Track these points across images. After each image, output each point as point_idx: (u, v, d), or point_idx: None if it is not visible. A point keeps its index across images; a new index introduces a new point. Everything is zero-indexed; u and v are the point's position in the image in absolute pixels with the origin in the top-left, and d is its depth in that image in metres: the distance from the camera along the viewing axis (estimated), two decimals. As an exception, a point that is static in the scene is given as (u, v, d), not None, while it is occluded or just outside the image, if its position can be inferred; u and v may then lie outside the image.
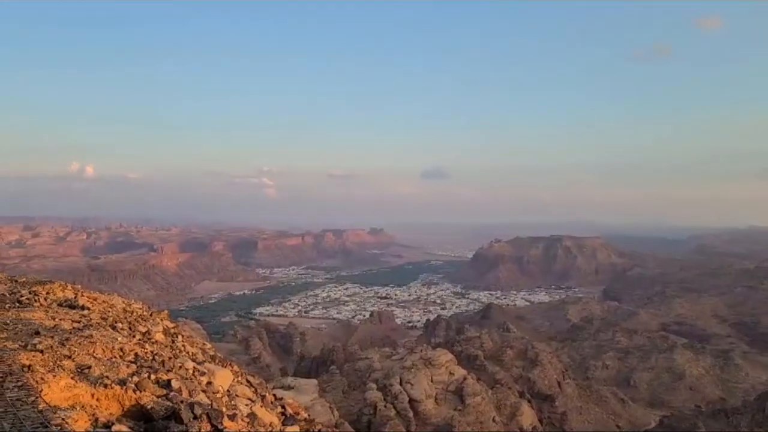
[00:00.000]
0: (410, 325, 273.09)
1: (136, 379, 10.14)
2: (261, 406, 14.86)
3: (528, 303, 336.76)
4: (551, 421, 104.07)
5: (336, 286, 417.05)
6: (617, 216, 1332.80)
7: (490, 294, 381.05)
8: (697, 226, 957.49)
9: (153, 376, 10.66)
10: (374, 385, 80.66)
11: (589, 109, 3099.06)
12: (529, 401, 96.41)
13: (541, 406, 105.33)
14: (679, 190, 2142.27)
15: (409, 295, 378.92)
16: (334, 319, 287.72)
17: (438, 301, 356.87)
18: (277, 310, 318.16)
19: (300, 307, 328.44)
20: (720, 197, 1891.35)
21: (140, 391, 9.55)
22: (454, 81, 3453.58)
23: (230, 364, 19.87)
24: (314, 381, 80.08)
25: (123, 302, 22.14)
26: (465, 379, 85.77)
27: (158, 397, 9.65)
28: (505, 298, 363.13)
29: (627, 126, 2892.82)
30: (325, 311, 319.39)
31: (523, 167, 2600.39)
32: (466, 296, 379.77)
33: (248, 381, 18.57)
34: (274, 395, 18.49)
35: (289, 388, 68.78)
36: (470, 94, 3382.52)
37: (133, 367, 11.07)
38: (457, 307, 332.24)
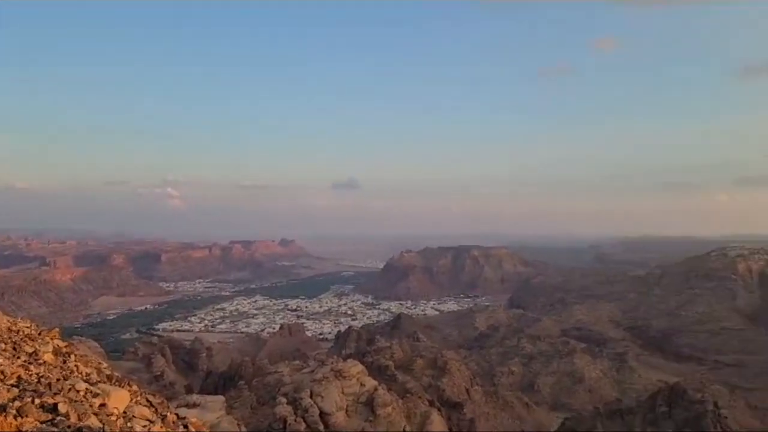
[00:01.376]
0: (321, 337, 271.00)
1: (17, 404, 9.24)
2: (161, 427, 14.01)
3: (437, 312, 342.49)
4: (460, 428, 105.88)
5: (244, 299, 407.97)
6: (524, 227, 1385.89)
7: (401, 304, 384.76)
8: (597, 235, 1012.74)
9: (37, 401, 9.76)
10: (284, 399, 79.07)
11: (497, 124, 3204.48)
12: (439, 409, 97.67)
13: (450, 413, 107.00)
14: (582, 202, 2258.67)
15: (320, 307, 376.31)
16: (242, 333, 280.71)
17: (349, 312, 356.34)
18: (182, 325, 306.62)
19: (206, 322, 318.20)
20: (618, 209, 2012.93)
21: (22, 417, 8.71)
22: (364, 92, 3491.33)
23: (128, 384, 18.71)
24: (221, 398, 77.54)
25: (8, 321, 20.40)
26: (376, 389, 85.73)
27: (42, 422, 8.83)
28: (415, 308, 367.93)
29: (534, 141, 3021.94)
30: (233, 325, 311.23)
31: (434, 179, 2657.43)
32: (377, 307, 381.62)
33: (148, 401, 17.53)
34: (177, 414, 17.56)
35: (194, 405, 66.21)
36: (381, 106, 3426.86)
37: (15, 391, 10.11)
38: (368, 317, 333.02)
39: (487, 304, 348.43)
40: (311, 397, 79.00)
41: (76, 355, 18.92)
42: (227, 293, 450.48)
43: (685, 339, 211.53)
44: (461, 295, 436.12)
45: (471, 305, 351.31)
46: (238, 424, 67.41)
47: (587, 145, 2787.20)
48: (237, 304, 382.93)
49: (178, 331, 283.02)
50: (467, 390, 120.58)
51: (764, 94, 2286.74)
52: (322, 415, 77.51)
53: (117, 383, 17.46)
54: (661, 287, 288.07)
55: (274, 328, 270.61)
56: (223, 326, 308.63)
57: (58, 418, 9.17)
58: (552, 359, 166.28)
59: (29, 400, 9.61)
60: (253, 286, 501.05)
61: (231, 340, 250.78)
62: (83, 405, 11.20)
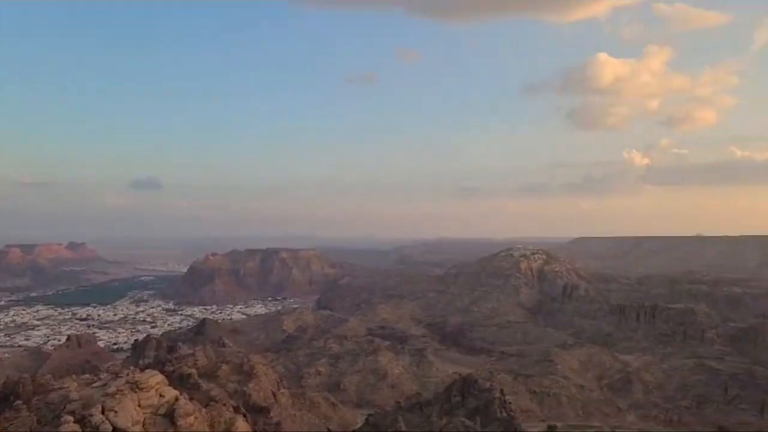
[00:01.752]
0: (116, 347, 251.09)
1: None
2: None
3: (244, 316, 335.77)
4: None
5: (24, 309, 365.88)
6: (332, 230, 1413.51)
7: (205, 309, 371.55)
8: (400, 238, 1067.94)
9: None
10: (70, 418, 71.12)
11: (306, 129, 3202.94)
12: (245, 415, 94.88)
13: (256, 418, 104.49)
14: (386, 206, 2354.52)
15: (115, 315, 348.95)
16: (20, 346, 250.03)
17: (148, 320, 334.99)
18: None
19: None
20: (419, 212, 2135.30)
21: None
22: (170, 88, 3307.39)
23: None
24: (-8, 421, 67.70)
25: None
26: (177, 400, 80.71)
27: None
28: (221, 313, 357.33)
29: (341, 146, 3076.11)
30: (9, 338, 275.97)
31: (243, 181, 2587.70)
32: (180, 312, 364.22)
33: None
34: None
35: (-45, 433, 56.96)
36: (187, 104, 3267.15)
37: None
38: (169, 324, 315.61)
39: (295, 306, 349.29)
40: (103, 412, 72.17)
41: None
42: (2, 303, 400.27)
43: (477, 333, 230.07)
44: (269, 298, 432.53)
45: (279, 308, 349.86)
46: (12, 450, 59.21)
47: (391, 151, 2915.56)
48: (14, 315, 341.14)
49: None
50: (274, 393, 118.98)
51: (543, 110, 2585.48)
52: (116, 431, 71.23)
53: None
54: (456, 286, 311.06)
55: (59, 340, 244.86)
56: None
57: None
58: (358, 358, 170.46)
59: None
60: (34, 294, 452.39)
61: (7, 355, 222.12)
62: None
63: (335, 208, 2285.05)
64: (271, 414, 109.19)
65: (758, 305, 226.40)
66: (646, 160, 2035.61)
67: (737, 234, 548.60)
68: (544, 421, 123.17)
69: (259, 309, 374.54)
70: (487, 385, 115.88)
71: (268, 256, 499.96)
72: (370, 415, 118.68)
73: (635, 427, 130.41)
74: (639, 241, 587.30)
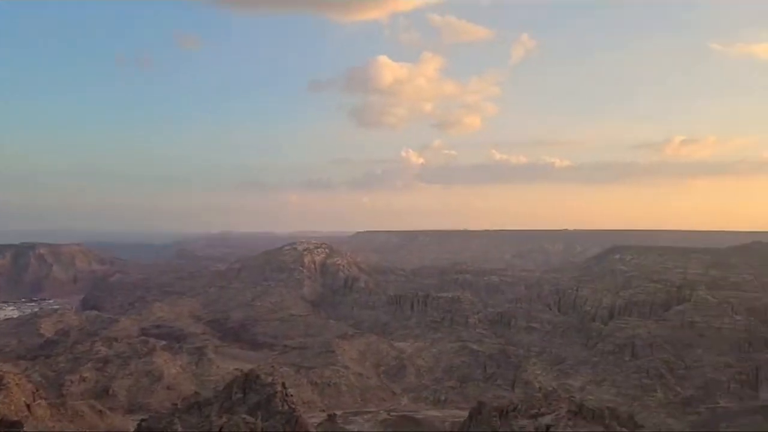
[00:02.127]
0: None
1: None
2: None
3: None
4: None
5: None
6: (102, 223, 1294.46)
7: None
8: (180, 232, 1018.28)
9: None
10: None
11: (66, 112, 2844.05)
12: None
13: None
14: (164, 198, 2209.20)
15: None
16: None
17: None
18: None
19: None
20: (200, 205, 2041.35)
21: None
22: None
23: None
24: None
25: None
26: None
27: None
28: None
29: (111, 132, 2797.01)
30: None
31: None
32: None
33: None
34: None
35: None
36: None
37: None
38: None
39: (56, 307, 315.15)
40: None
41: None
42: None
43: (260, 328, 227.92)
44: (23, 300, 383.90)
45: (36, 310, 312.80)
46: None
47: (169, 141, 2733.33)
48: None
49: None
50: (28, 405, 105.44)
51: (328, 107, 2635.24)
52: None
53: None
54: (239, 280, 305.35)
55: None
56: None
57: None
58: (129, 360, 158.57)
59: None
60: None
61: None
62: None
63: (105, 199, 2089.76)
64: (25, 428, 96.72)
65: (511, 291, 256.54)
66: (421, 160, 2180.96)
67: (496, 228, 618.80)
68: (324, 410, 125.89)
69: (10, 312, 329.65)
70: (269, 379, 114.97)
71: (21, 251, 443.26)
72: (143, 419, 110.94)
73: (407, 409, 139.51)
74: (414, 235, 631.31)
